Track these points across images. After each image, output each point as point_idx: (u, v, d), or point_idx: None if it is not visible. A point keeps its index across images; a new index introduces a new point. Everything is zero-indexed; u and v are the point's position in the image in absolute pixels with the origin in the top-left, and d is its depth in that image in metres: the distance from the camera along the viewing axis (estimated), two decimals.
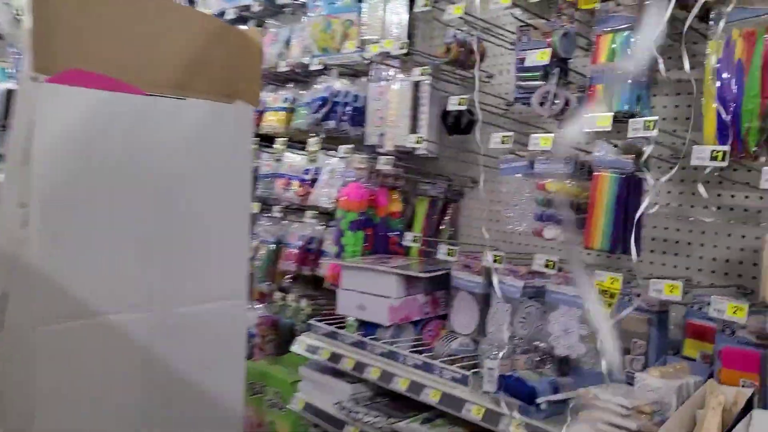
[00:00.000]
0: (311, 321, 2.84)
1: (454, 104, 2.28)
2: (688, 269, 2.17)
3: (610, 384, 1.84)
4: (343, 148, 2.86)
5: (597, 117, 1.86)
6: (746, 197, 2.03)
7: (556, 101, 2.03)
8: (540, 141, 1.98)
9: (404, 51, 2.50)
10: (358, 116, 2.99)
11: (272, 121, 3.40)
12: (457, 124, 2.54)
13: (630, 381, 1.93)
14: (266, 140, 3.46)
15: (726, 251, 2.08)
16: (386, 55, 2.64)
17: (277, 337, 3.43)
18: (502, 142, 2.10)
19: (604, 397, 1.73)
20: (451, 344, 2.32)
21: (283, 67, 3.33)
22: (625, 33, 1.91)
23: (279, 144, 3.36)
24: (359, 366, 2.47)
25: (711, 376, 1.79)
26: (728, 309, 1.59)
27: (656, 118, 1.74)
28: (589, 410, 1.78)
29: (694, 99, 1.87)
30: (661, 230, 2.23)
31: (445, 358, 2.28)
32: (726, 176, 2.06)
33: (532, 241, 2.58)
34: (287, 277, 3.37)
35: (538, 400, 1.87)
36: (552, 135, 1.96)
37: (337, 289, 2.71)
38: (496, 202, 2.77)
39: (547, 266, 1.99)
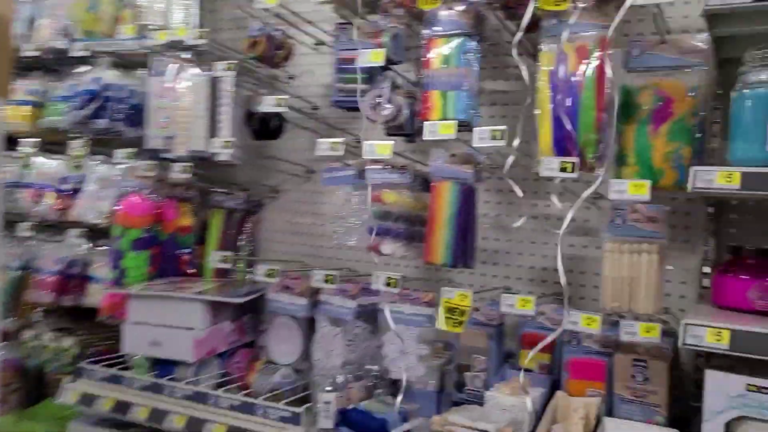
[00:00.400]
0: (83, 364, 2.31)
1: (270, 104, 2.00)
2: (507, 278, 2.19)
3: (460, 407, 1.75)
4: (120, 153, 2.38)
5: (439, 125, 1.75)
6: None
7: (387, 106, 1.88)
8: (377, 149, 1.81)
9: (203, 41, 2.15)
10: (135, 115, 2.54)
11: (13, 118, 2.74)
12: (264, 128, 2.26)
13: (474, 400, 1.87)
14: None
15: (542, 259, 2.14)
16: (178, 46, 2.25)
17: (26, 386, 2.79)
18: (332, 149, 1.89)
19: (462, 422, 1.62)
20: (272, 377, 2.04)
21: (28, 52, 2.70)
22: (461, 39, 1.83)
23: (26, 146, 2.71)
24: (157, 414, 2.05)
25: (554, 386, 1.80)
26: (582, 320, 1.59)
27: (504, 127, 1.69)
28: None
29: (523, 110, 1.88)
30: (479, 240, 2.22)
31: (268, 395, 2.00)
32: (543, 186, 2.12)
33: (346, 255, 2.43)
34: (38, 310, 2.74)
35: None
36: (391, 143, 1.81)
37: (120, 324, 2.25)
38: (305, 214, 2.56)
39: (389, 285, 1.84)
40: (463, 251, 1.82)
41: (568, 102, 1.71)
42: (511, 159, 1.70)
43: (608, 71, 1.65)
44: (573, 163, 1.60)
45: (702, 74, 1.66)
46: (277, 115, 2.25)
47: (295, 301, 2.08)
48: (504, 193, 2.19)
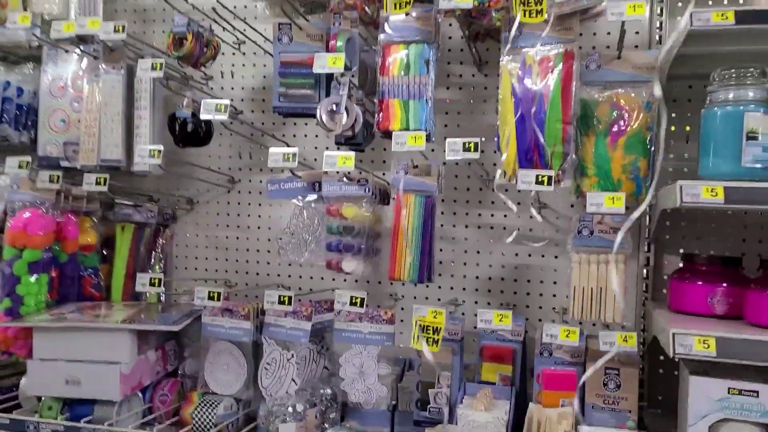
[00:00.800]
0: None
1: (210, 109, 1.80)
2: (452, 289, 2.16)
3: (435, 428, 1.69)
4: (12, 161, 2.04)
5: (407, 136, 1.68)
6: (505, 216, 2.12)
7: (346, 114, 1.77)
8: (338, 160, 1.70)
9: (120, 36, 1.89)
10: (24, 117, 2.21)
11: None
12: (192, 134, 2.04)
13: (438, 418, 1.82)
14: None
15: (488, 269, 2.14)
16: (89, 40, 1.98)
17: None
18: (285, 160, 1.74)
19: None
20: (215, 410, 1.84)
21: None
22: (420, 45, 1.77)
23: None
24: None
25: (520, 397, 1.80)
26: (561, 333, 1.59)
27: (477, 139, 1.65)
28: None
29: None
30: None
31: (213, 430, 1.81)
32: (488, 196, 2.12)
33: (273, 271, 2.29)
34: None
35: None
36: (352, 154, 1.70)
37: (16, 360, 1.94)
38: (226, 227, 2.36)
39: (353, 304, 1.73)
40: (428, 266, 1.76)
41: (534, 114, 1.71)
42: (499, 172, 1.66)
43: (574, 84, 1.67)
44: (549, 176, 1.60)
45: (652, 89, 1.73)
46: (205, 120, 2.04)
47: (238, 325, 1.90)
48: (447, 204, 2.16)
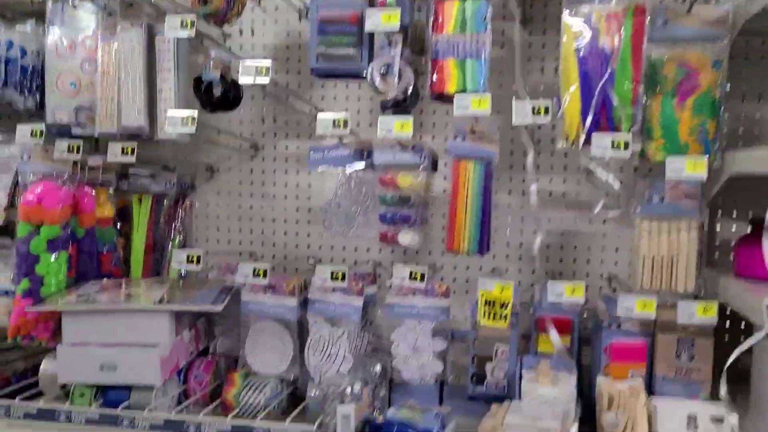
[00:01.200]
0: None
1: (249, 71, 1.65)
2: (495, 257, 2.08)
3: (501, 405, 1.62)
4: (24, 129, 1.87)
5: (471, 100, 1.56)
6: (550, 180, 2.03)
7: (400, 75, 1.64)
8: (395, 125, 1.58)
9: None
10: (28, 80, 2.02)
11: None
12: (221, 97, 1.89)
13: (496, 393, 1.76)
14: None
15: (532, 236, 2.06)
16: None
17: None
18: (336, 126, 1.62)
19: (521, 422, 1.50)
20: (262, 392, 1.75)
21: None
22: (478, 1, 1.65)
23: None
24: None
25: (579, 368, 1.74)
26: (637, 305, 1.53)
27: (549, 102, 1.55)
28: None
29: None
30: None
31: (263, 413, 1.72)
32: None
33: (302, 242, 2.17)
34: None
35: None
36: (410, 119, 1.59)
37: (38, 345, 1.81)
38: (250, 196, 2.23)
39: (413, 278, 1.63)
40: (487, 237, 1.67)
41: (600, 74, 1.61)
42: (583, 136, 1.56)
43: (645, 41, 1.57)
44: (626, 141, 1.51)
45: (724, 46, 1.64)
46: (235, 82, 1.89)
47: (282, 302, 1.79)
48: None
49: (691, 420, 1.53)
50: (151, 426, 1.72)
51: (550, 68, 2.00)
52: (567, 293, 1.56)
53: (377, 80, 1.63)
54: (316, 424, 1.65)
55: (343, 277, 1.68)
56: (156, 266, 2.17)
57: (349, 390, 1.64)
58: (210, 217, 2.28)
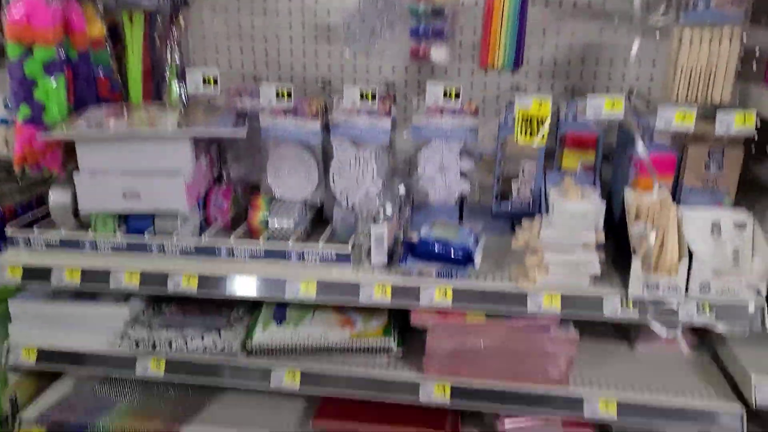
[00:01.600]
0: (10, 230, 1.79)
1: None
2: (513, 73, 2.02)
3: (529, 220, 1.65)
4: None
5: None
6: None
7: None
8: None
9: None
10: None
11: None
12: None
13: (521, 209, 1.79)
14: None
15: (554, 50, 1.98)
16: None
17: None
18: None
19: (555, 236, 1.54)
20: (293, 215, 1.74)
21: None
22: None
23: None
24: (153, 278, 1.69)
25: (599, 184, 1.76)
26: (676, 117, 1.51)
27: None
28: (533, 253, 1.58)
29: None
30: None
31: (293, 236, 1.72)
32: None
33: (310, 63, 2.06)
34: None
35: (477, 259, 1.57)
36: None
37: (46, 175, 1.74)
38: (249, 13, 2.06)
39: (446, 95, 1.57)
40: (522, 51, 1.60)
41: None
42: None
43: None
44: None
45: None
46: None
47: (305, 126, 1.72)
48: None
49: (716, 226, 1.59)
50: (182, 251, 1.72)
51: None
52: (606, 107, 1.53)
53: None
54: (351, 243, 1.67)
55: (374, 97, 1.61)
56: (156, 90, 2.04)
57: (381, 211, 1.64)
58: (207, 38, 2.12)
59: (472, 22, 1.86)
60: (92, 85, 1.92)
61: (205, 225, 1.87)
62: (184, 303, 1.92)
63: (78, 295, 1.83)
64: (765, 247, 1.51)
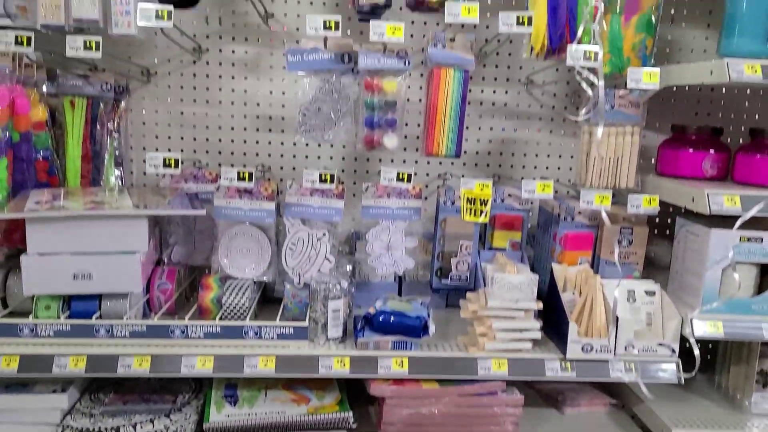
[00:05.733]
0: None
1: None
2: (441, 164, 2.22)
3: (473, 293, 1.80)
4: None
5: (460, 7, 1.64)
6: (494, 91, 2.19)
7: None
8: (387, 30, 1.62)
9: None
10: None
11: None
12: None
13: (460, 285, 1.94)
14: None
15: (476, 144, 2.22)
16: None
17: None
18: (327, 27, 1.62)
19: (504, 305, 1.70)
20: (246, 294, 1.77)
21: None
22: None
23: None
24: (100, 361, 1.64)
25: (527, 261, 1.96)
26: (596, 199, 1.75)
27: (530, 12, 1.67)
28: (480, 322, 1.72)
29: None
30: (414, 126, 2.19)
31: (249, 313, 1.75)
32: (476, 72, 2.16)
33: (251, 150, 2.16)
34: None
35: (431, 329, 1.68)
36: (402, 24, 1.63)
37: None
38: (193, 103, 2.15)
39: (400, 180, 1.72)
40: (461, 141, 1.80)
41: None
42: (526, 48, 1.72)
43: None
44: (596, 52, 1.68)
45: None
46: None
47: (260, 207, 1.80)
48: None
49: (631, 294, 1.82)
50: (132, 333, 1.69)
51: None
52: (538, 190, 1.74)
53: None
54: (307, 319, 1.73)
55: (332, 179, 1.73)
56: (94, 175, 2.04)
57: (338, 287, 1.72)
58: (147, 124, 2.16)
59: (414, 114, 2.09)
60: (31, 168, 1.90)
61: (147, 307, 1.85)
62: (121, 390, 1.86)
63: (6, 386, 1.72)
64: (674, 312, 1.75)
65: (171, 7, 1.62)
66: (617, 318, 1.69)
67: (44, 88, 1.94)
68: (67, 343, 1.66)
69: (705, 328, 1.69)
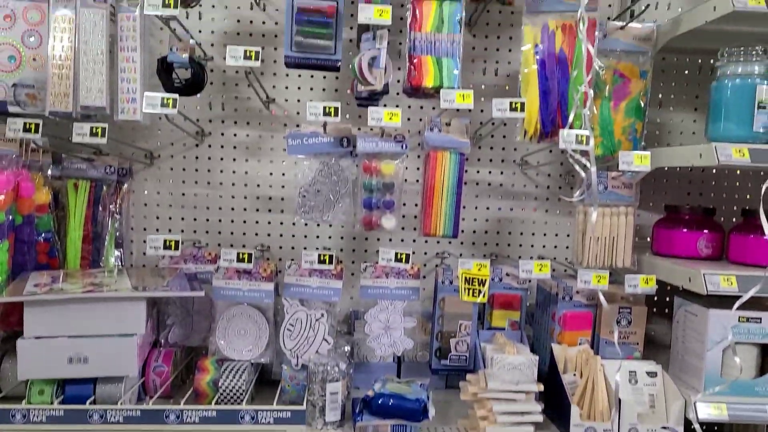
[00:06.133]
0: None
1: (237, 55, 1.65)
2: (438, 243, 2.24)
3: (473, 375, 1.78)
4: None
5: (455, 94, 1.70)
6: (489, 172, 2.23)
7: (385, 68, 1.74)
8: (384, 116, 1.68)
9: None
10: None
11: None
12: (191, 81, 1.85)
13: (460, 366, 1.92)
14: None
15: (473, 222, 2.25)
16: None
17: None
18: (326, 113, 1.67)
19: (504, 387, 1.68)
20: (243, 376, 1.75)
21: None
22: (454, 4, 1.79)
23: None
24: None
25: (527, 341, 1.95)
26: (593, 279, 1.76)
27: (523, 99, 1.73)
28: (480, 404, 1.70)
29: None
30: (411, 207, 2.22)
31: (246, 396, 1.73)
32: (473, 153, 2.21)
33: (251, 231, 2.18)
34: None
35: (431, 412, 1.65)
36: (399, 110, 1.69)
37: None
38: (194, 184, 2.19)
39: (398, 260, 1.74)
40: (458, 221, 1.82)
41: (559, 78, 1.83)
42: (520, 132, 1.77)
43: (593, 50, 1.81)
44: (587, 136, 1.73)
45: (649, 59, 1.94)
46: (201, 65, 1.87)
47: (259, 287, 1.81)
48: None
49: (632, 375, 1.80)
50: (126, 418, 1.66)
51: (491, 69, 2.19)
52: (536, 270, 1.76)
53: (366, 72, 1.71)
54: (304, 403, 1.70)
55: (331, 260, 1.74)
56: (94, 256, 2.05)
57: (337, 369, 1.71)
58: (149, 206, 2.19)
59: (411, 195, 2.13)
60: (32, 249, 1.91)
61: (143, 390, 1.82)
62: None
63: None
64: (677, 393, 1.73)
65: (177, 96, 1.68)
66: (620, 400, 1.67)
67: (49, 172, 1.98)
68: (59, 430, 1.63)
69: (709, 410, 1.66)
